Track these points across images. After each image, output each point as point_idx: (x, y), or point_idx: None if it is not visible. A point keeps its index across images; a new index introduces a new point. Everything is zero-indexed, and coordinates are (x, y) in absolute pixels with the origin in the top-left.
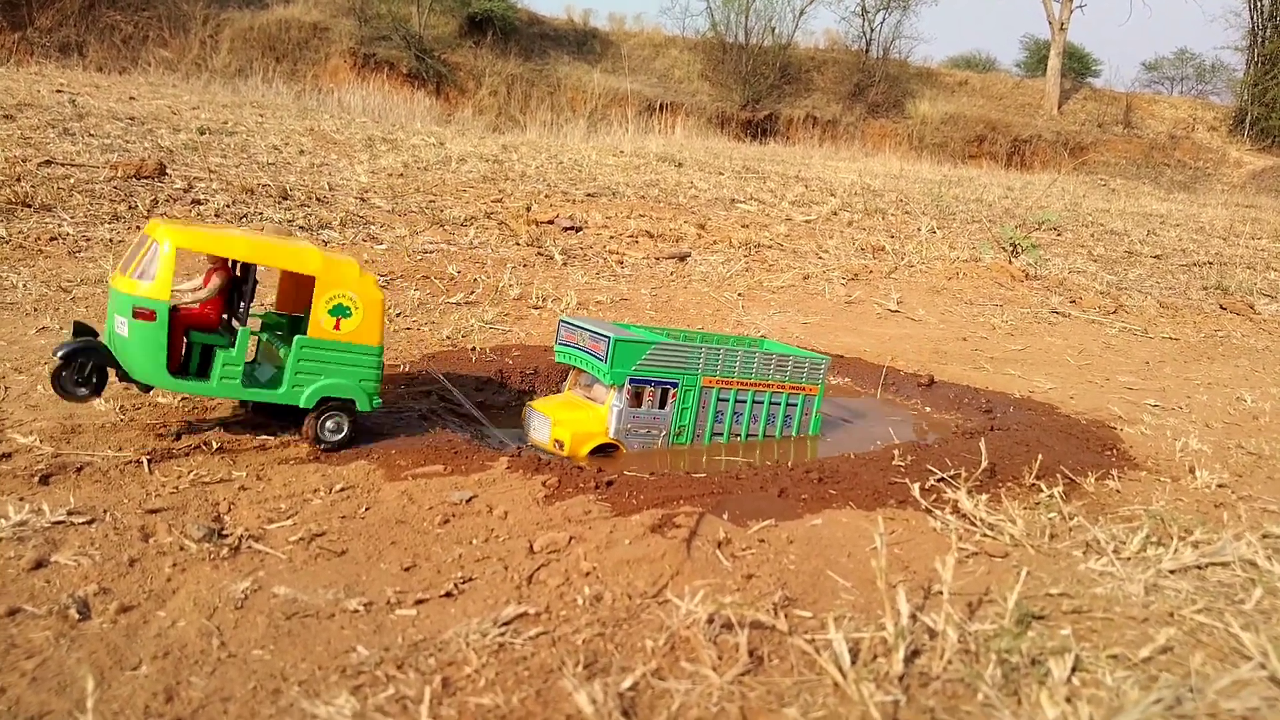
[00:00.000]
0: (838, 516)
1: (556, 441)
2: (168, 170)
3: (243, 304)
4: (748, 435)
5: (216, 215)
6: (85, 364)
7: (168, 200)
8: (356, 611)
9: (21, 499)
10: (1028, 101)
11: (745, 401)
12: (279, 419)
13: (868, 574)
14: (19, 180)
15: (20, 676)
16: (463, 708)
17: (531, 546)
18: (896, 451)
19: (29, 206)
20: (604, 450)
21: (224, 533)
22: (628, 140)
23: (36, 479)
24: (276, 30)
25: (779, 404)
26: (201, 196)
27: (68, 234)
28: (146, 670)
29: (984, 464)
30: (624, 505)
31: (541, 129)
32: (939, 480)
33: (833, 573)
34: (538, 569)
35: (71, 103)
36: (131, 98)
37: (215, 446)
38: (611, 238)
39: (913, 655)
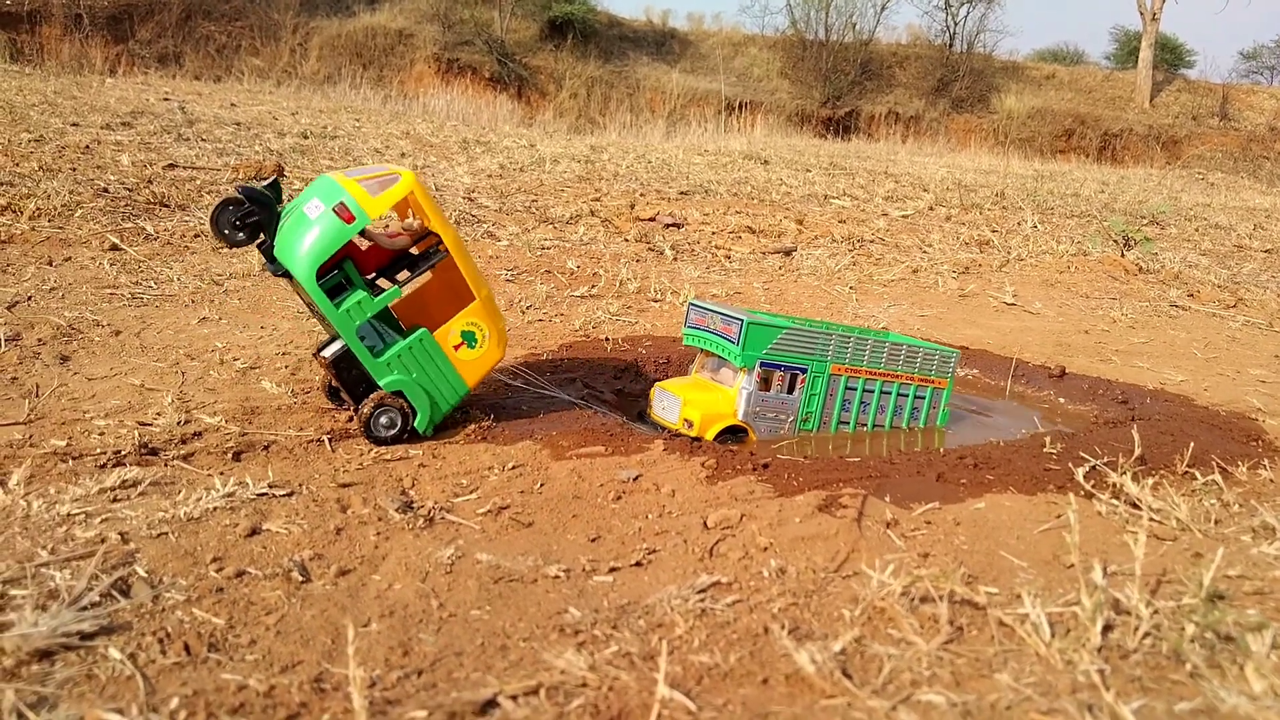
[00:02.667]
0: (1000, 500)
1: (686, 421)
2: (285, 171)
3: (406, 272)
4: (874, 425)
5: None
6: (250, 214)
7: (290, 199)
8: (557, 577)
9: (221, 473)
10: (1118, 94)
11: (873, 391)
12: (335, 401)
13: (1040, 555)
14: (150, 183)
15: (265, 630)
16: (686, 665)
17: (705, 522)
18: (1047, 439)
19: (166, 206)
20: (732, 432)
21: (415, 505)
22: (709, 139)
23: (229, 456)
24: (363, 37)
25: (906, 395)
26: None
27: (208, 232)
28: (377, 627)
29: (1137, 451)
30: (786, 486)
31: (621, 130)
32: (1093, 467)
33: (1006, 553)
34: (716, 543)
35: (181, 109)
36: (233, 104)
37: None
38: (714, 234)
39: (1105, 630)
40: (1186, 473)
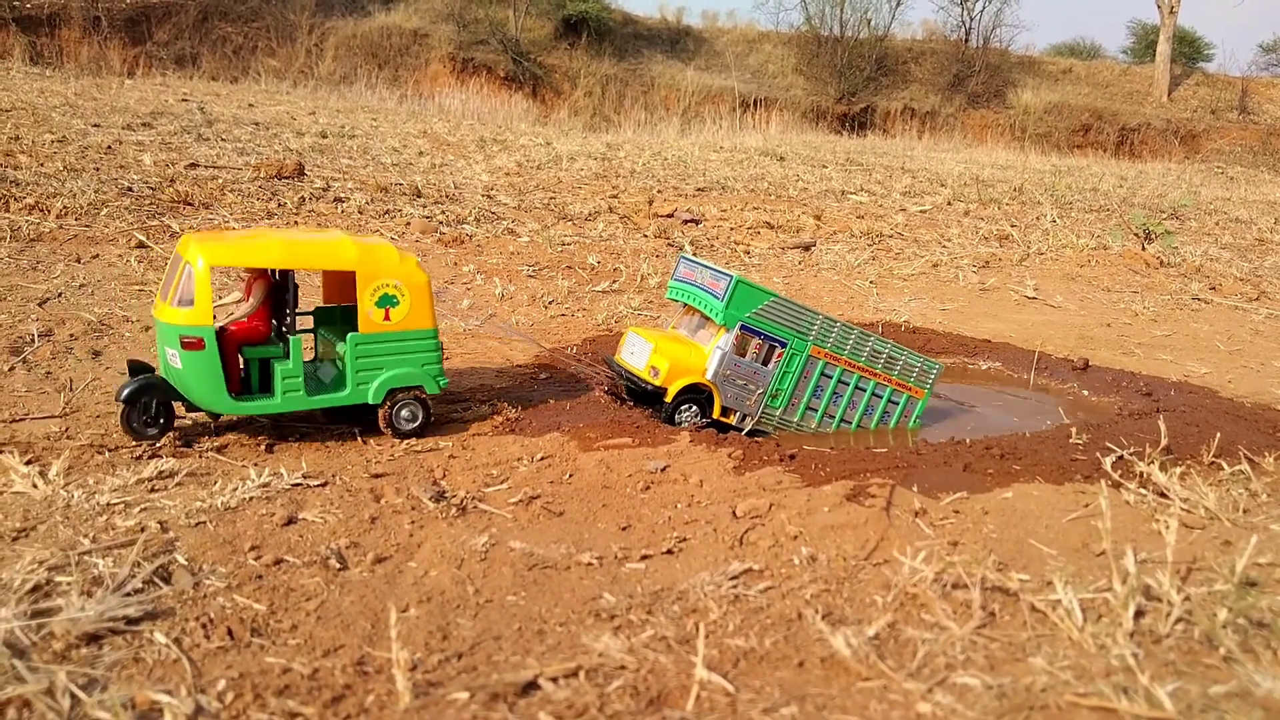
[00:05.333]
0: (1028, 490)
1: (652, 368)
2: (305, 171)
3: (289, 311)
4: (841, 421)
5: (359, 212)
6: (150, 403)
7: (311, 198)
8: (591, 564)
9: (255, 464)
10: (1135, 89)
11: (848, 384)
12: (354, 420)
13: (1069, 542)
14: (173, 181)
15: (306, 615)
16: (722, 649)
17: (734, 511)
18: (1073, 430)
19: (190, 204)
20: (694, 394)
21: (447, 495)
22: (723, 136)
23: (263, 448)
24: (378, 37)
25: (880, 397)
26: (341, 195)
27: (234, 229)
28: (415, 612)
29: (1163, 442)
30: (813, 476)
31: (636, 128)
32: (1120, 457)
33: (1035, 541)
34: (746, 531)
35: (200, 110)
36: (250, 104)
37: None
38: (732, 229)
39: (1137, 615)
40: (1213, 463)
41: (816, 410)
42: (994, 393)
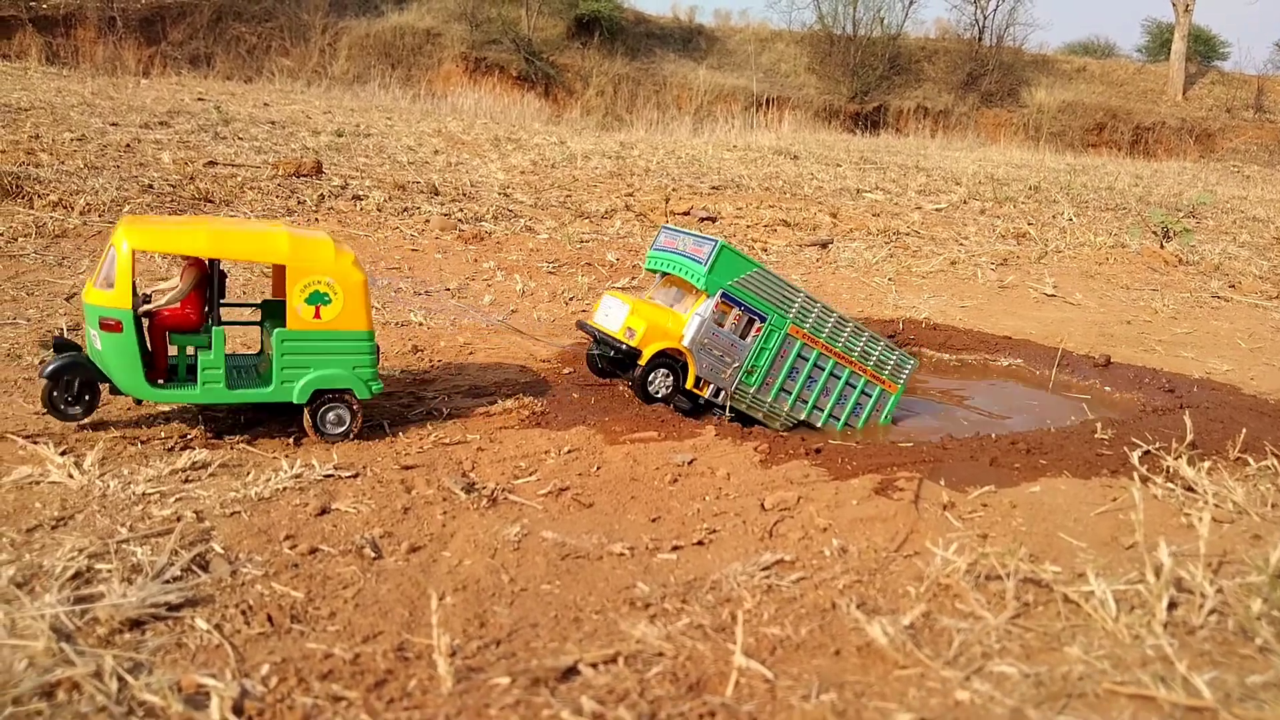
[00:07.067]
0: (1055, 484)
1: (628, 329)
2: (323, 169)
3: (219, 299)
4: (812, 409)
5: (378, 210)
6: (72, 381)
7: (330, 196)
8: (622, 555)
9: (286, 456)
10: (1150, 87)
11: (823, 370)
12: (281, 415)
13: (1099, 535)
14: (192, 179)
15: (344, 603)
16: (759, 637)
17: (763, 504)
18: (1098, 425)
19: (210, 202)
20: (669, 360)
21: (477, 486)
22: (736, 135)
23: (292, 440)
24: (391, 37)
25: (854, 387)
26: (360, 193)
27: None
28: (452, 600)
29: (1189, 437)
30: (840, 470)
31: (649, 127)
32: (1147, 452)
33: (1064, 534)
34: (775, 523)
35: (216, 109)
36: (266, 104)
37: (445, 413)
38: (748, 227)
39: (1170, 607)
40: (1239, 458)
41: (790, 394)
42: (1017, 388)
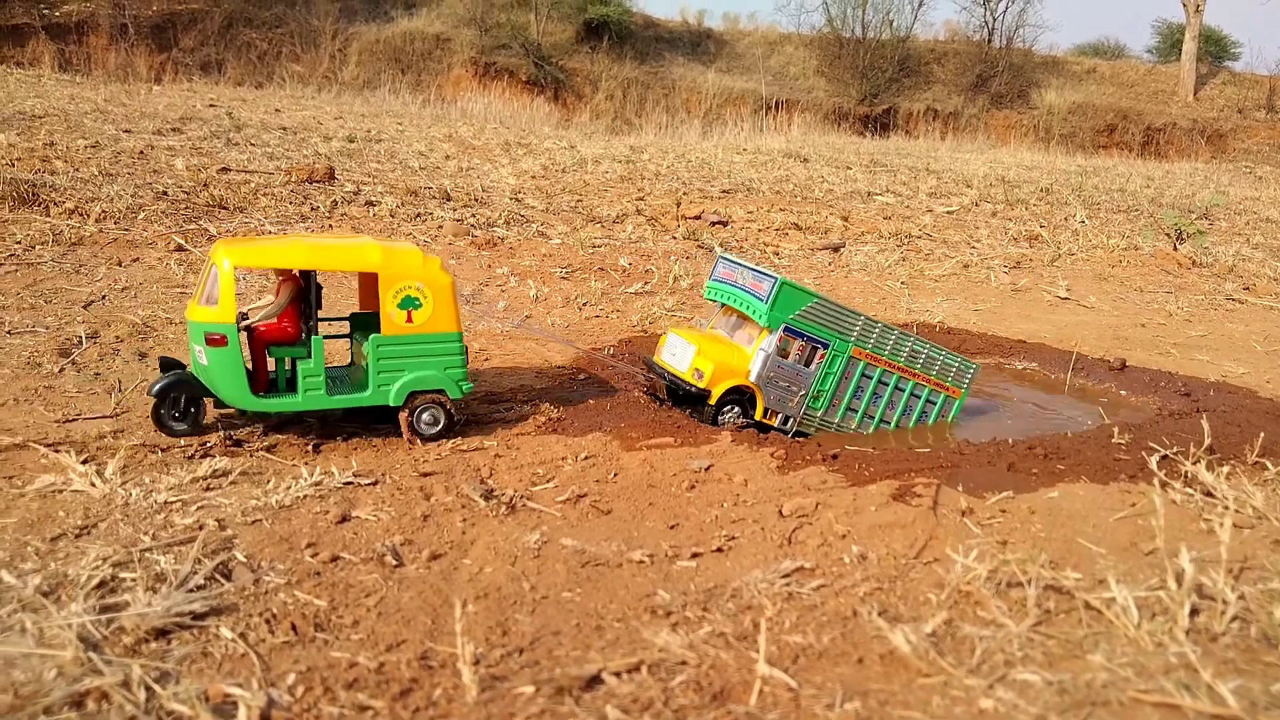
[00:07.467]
0: (1073, 489)
1: (696, 370)
2: (336, 175)
3: (315, 310)
4: (881, 421)
5: (391, 215)
6: (179, 398)
7: (343, 202)
8: (642, 562)
9: (306, 463)
10: (1161, 88)
11: (888, 385)
12: (379, 421)
13: (1118, 541)
14: (206, 186)
15: (367, 611)
16: (781, 645)
17: (781, 511)
18: (1115, 430)
19: (225, 208)
20: (738, 394)
21: (496, 493)
22: (746, 138)
23: (310, 448)
24: (401, 42)
25: (919, 397)
26: (373, 199)
27: (271, 232)
28: (474, 608)
29: (1207, 441)
30: (857, 476)
31: (658, 130)
32: (1164, 457)
33: (1083, 540)
34: (794, 530)
35: (228, 115)
36: (277, 110)
37: (462, 420)
38: (760, 230)
39: (1192, 614)
40: (1257, 463)
41: (857, 411)
42: (1032, 392)
